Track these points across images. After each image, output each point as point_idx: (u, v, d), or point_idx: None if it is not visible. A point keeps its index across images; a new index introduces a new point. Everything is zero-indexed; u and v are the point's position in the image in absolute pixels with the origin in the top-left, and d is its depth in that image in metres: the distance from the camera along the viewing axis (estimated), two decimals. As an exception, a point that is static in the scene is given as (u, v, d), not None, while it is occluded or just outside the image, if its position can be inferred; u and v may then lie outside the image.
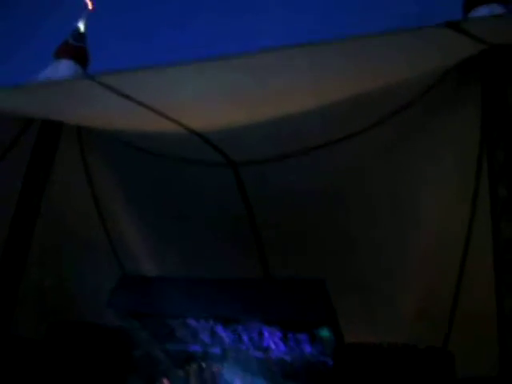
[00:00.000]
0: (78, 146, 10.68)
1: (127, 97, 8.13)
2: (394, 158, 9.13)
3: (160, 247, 10.38)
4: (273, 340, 8.98)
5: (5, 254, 9.86)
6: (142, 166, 10.15)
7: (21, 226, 10.00)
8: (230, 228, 9.88)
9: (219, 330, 9.15)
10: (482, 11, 8.39)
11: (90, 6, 11.56)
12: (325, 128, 8.65)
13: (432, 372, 8.51)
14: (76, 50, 11.19)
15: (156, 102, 8.39)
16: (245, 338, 9.15)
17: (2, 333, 10.11)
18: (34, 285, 10.54)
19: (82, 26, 11.51)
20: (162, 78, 7.94)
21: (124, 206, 10.50)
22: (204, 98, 8.24)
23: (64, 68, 10.91)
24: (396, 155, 9.19)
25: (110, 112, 8.95)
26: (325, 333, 8.53)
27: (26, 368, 9.89)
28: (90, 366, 9.62)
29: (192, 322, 9.17)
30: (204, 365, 9.82)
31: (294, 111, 8.11)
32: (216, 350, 9.59)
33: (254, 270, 9.92)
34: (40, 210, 10.36)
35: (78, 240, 10.65)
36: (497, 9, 8.45)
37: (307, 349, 9.02)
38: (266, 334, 8.90)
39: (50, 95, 8.78)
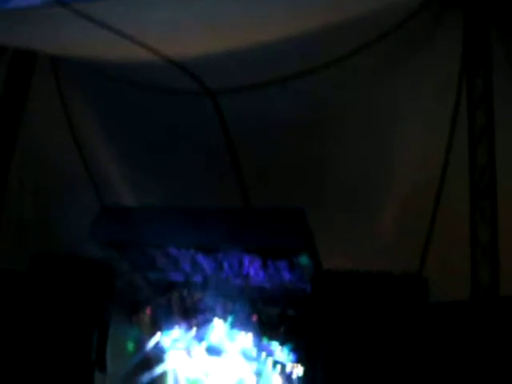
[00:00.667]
0: (53, 77, 10.43)
1: (102, 25, 7.90)
2: (374, 86, 9.07)
3: (139, 178, 10.33)
4: (253, 267, 9.16)
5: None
6: (119, 96, 9.96)
7: None
8: (210, 158, 9.85)
9: (200, 258, 9.30)
10: None
11: None
12: (301, 57, 8.54)
13: (407, 297, 8.81)
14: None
15: (131, 30, 8.16)
16: (225, 265, 9.32)
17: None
18: (15, 217, 10.53)
19: None
20: (137, 5, 7.72)
21: (102, 137, 10.36)
22: (180, 26, 8.03)
23: (34, -6, 10.52)
24: (376, 83, 9.13)
25: (85, 41, 8.69)
26: (303, 260, 8.72)
27: (10, 298, 10.05)
28: (73, 295, 9.80)
29: (173, 250, 9.29)
30: (185, 292, 10.04)
31: (270, 39, 7.98)
32: (197, 278, 9.78)
33: (234, 199, 9.97)
34: (16, 142, 10.27)
35: (57, 173, 10.55)
36: None
37: (286, 276, 9.23)
38: (246, 262, 9.07)
39: (20, 23, 8.49)
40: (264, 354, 10.02)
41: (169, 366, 10.71)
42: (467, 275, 8.95)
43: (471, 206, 9.02)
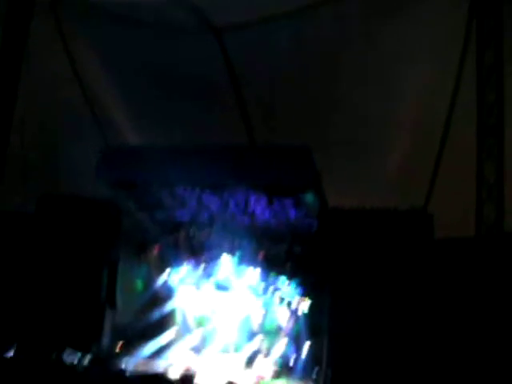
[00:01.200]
0: (53, 15, 10.25)
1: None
2: (380, 22, 8.93)
3: (143, 117, 10.25)
4: (258, 205, 9.21)
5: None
6: (120, 34, 9.79)
7: (1, 98, 9.89)
8: (214, 96, 9.75)
9: (206, 197, 9.34)
10: None
11: None
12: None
13: (412, 233, 8.88)
14: None
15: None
16: (231, 203, 9.37)
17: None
18: (20, 160, 10.51)
19: None
20: None
21: (105, 75, 10.21)
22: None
23: None
24: (382, 19, 8.98)
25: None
26: (309, 197, 8.75)
27: (19, 240, 10.15)
28: (81, 236, 9.89)
29: (179, 189, 9.32)
30: (192, 231, 10.14)
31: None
32: (203, 217, 9.86)
33: (239, 137, 9.94)
34: (19, 83, 10.16)
35: (61, 113, 10.48)
36: None
37: (292, 213, 9.29)
38: (252, 200, 9.11)
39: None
40: (271, 289, 10.24)
41: (177, 302, 10.98)
42: (473, 212, 9.01)
43: (478, 143, 8.99)
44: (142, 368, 9.25)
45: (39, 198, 10.63)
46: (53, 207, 10.56)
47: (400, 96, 9.43)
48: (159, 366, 9.42)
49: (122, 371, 8.59)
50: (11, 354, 8.90)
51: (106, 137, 10.52)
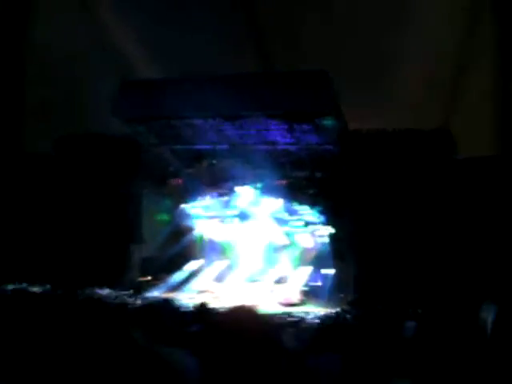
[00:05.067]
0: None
1: None
2: None
3: (157, 48, 10.01)
4: (278, 132, 9.11)
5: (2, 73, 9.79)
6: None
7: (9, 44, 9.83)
8: (228, 23, 9.45)
9: (225, 127, 9.25)
10: None
11: None
12: None
13: (434, 153, 8.75)
14: None
15: None
16: (251, 132, 9.27)
17: (14, 150, 10.32)
18: (39, 101, 10.46)
19: None
20: None
21: (115, 8, 9.97)
22: None
23: None
24: None
25: None
26: (329, 122, 8.62)
27: (42, 181, 10.23)
28: (102, 173, 9.94)
29: (198, 121, 9.23)
30: (213, 162, 10.10)
31: None
32: (223, 147, 9.79)
33: (255, 65, 9.67)
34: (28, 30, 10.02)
35: (74, 52, 10.28)
36: None
37: (312, 138, 9.19)
38: (272, 127, 9.01)
39: None
40: (294, 216, 10.24)
41: (201, 233, 11.09)
42: (494, 130, 8.87)
43: (502, 57, 8.77)
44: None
45: (57, 139, 10.66)
46: (71, 147, 10.60)
47: (420, 16, 9.13)
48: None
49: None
50: (39, 289, 9.10)
51: (122, 73, 10.32)
